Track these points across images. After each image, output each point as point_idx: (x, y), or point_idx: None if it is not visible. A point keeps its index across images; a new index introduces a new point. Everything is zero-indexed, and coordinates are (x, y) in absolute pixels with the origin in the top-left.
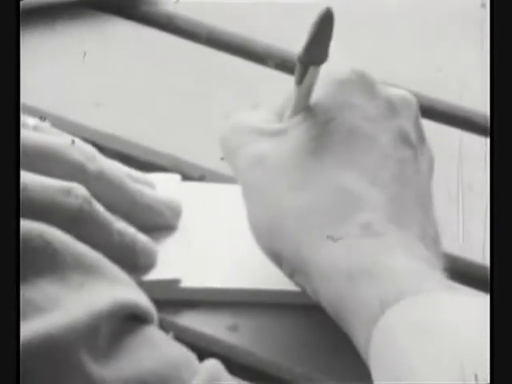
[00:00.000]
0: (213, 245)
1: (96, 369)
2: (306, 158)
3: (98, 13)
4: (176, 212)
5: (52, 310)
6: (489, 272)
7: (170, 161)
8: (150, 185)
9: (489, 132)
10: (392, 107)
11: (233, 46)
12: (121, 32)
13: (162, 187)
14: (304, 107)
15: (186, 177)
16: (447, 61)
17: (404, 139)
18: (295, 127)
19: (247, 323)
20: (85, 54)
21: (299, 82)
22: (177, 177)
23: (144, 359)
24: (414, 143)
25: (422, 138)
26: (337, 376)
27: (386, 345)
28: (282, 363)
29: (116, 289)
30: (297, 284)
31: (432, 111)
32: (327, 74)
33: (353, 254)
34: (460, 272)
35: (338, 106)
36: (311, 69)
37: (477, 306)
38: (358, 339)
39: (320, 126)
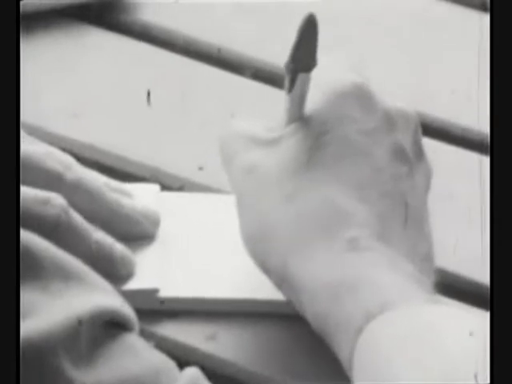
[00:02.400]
0: (191, 254)
1: (76, 374)
2: (297, 169)
3: (75, 22)
4: (154, 222)
5: (32, 315)
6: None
7: (148, 171)
8: (128, 195)
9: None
10: (390, 121)
11: (209, 55)
12: (98, 41)
13: (140, 197)
14: (297, 116)
15: (164, 187)
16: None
17: (399, 154)
18: (288, 137)
19: (226, 333)
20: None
21: (289, 90)
22: (155, 187)
23: (124, 365)
24: (410, 159)
25: (419, 153)
26: None
27: (370, 355)
28: (260, 372)
29: (96, 295)
30: (284, 295)
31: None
32: (325, 84)
33: (338, 269)
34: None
35: (334, 118)
36: (300, 76)
37: (461, 316)
38: (341, 351)
39: (313, 137)
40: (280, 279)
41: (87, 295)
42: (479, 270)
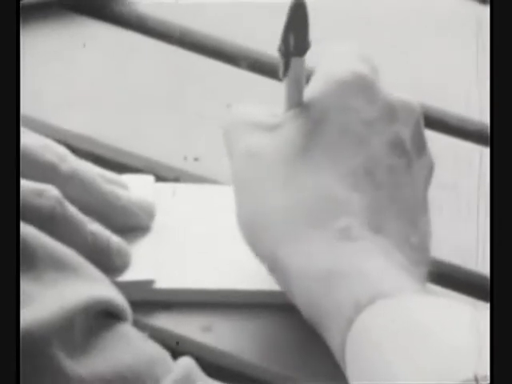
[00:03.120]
0: (187, 245)
1: (71, 364)
2: (294, 155)
3: (71, 13)
4: (150, 213)
5: (26, 305)
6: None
7: (143, 162)
8: (124, 186)
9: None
10: (391, 112)
11: (205, 46)
12: (94, 33)
13: (136, 188)
14: (297, 101)
15: (160, 178)
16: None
17: (398, 146)
18: (288, 123)
19: (222, 324)
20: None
21: (284, 74)
22: (150, 178)
23: (119, 355)
24: (409, 151)
25: (420, 146)
26: (311, 376)
27: (362, 345)
28: (256, 363)
29: (90, 286)
30: (276, 282)
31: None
32: (327, 72)
33: (328, 257)
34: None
35: (334, 106)
36: (294, 60)
37: (451, 307)
38: (333, 341)
39: (312, 124)
40: (271, 266)
41: (81, 285)
42: (476, 260)
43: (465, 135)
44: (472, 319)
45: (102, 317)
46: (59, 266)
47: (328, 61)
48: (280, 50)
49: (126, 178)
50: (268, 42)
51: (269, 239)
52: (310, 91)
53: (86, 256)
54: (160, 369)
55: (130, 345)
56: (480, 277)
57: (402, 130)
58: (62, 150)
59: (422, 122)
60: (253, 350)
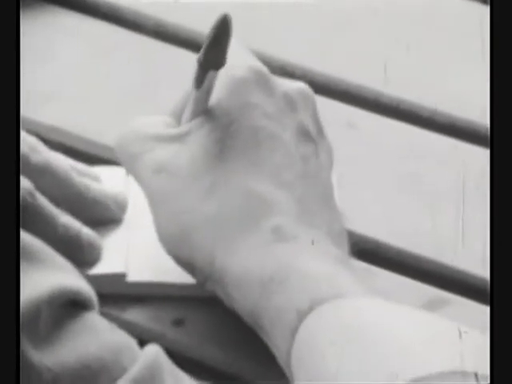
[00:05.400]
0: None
1: (37, 354)
2: (209, 163)
3: (41, 3)
4: (122, 205)
5: None
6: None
7: (115, 154)
8: (95, 178)
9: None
10: (290, 102)
11: (179, 37)
12: (68, 24)
13: (108, 180)
14: (202, 110)
15: None
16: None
17: (305, 134)
18: (195, 131)
19: (193, 317)
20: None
21: (198, 85)
22: (122, 170)
23: (85, 345)
24: (314, 137)
25: (320, 130)
26: (282, 371)
27: (308, 353)
28: (227, 357)
29: (56, 275)
30: (210, 290)
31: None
32: (224, 72)
33: (264, 261)
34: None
35: (238, 106)
36: (210, 73)
37: (397, 308)
38: (278, 349)
39: (221, 128)
40: (205, 276)
41: (48, 275)
42: (453, 254)
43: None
44: (412, 318)
45: (69, 306)
46: (26, 256)
47: None
48: (199, 61)
49: (98, 169)
50: (242, 33)
51: (202, 250)
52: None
53: (57, 248)
54: (127, 357)
55: (96, 334)
56: (457, 271)
57: (304, 117)
58: (33, 141)
59: (316, 107)
60: (224, 343)
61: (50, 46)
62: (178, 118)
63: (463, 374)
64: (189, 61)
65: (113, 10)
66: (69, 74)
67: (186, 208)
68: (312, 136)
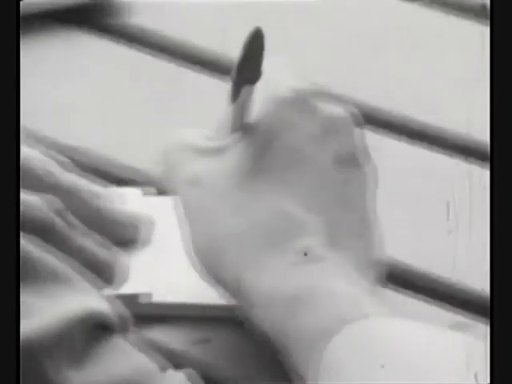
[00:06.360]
0: (183, 259)
1: (70, 375)
2: (243, 179)
3: (60, 24)
4: (149, 226)
5: (24, 317)
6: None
7: (145, 176)
8: (121, 200)
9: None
10: (331, 126)
11: (197, 59)
12: (77, 42)
13: (133, 201)
14: (240, 126)
15: (160, 192)
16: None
17: (342, 160)
18: (233, 147)
19: (216, 337)
20: None
21: (233, 100)
22: (137, 191)
23: (116, 366)
24: (354, 163)
25: (361, 155)
26: None
27: (335, 374)
28: (250, 377)
29: (85, 298)
30: (239, 307)
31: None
32: (267, 91)
33: (291, 280)
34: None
35: (278, 126)
36: (245, 88)
37: (422, 329)
38: (303, 368)
39: (259, 147)
40: (234, 292)
41: (78, 298)
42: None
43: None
44: (442, 339)
45: (98, 328)
46: (56, 278)
47: (267, 78)
48: (233, 77)
49: (116, 190)
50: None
51: (230, 266)
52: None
53: (86, 268)
54: (156, 380)
55: (126, 356)
56: (447, 282)
57: (345, 142)
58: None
59: (358, 132)
60: (246, 364)
61: (69, 68)
62: (220, 131)
63: None
64: (208, 82)
65: (122, 28)
66: (84, 92)
67: (215, 222)
68: (351, 161)
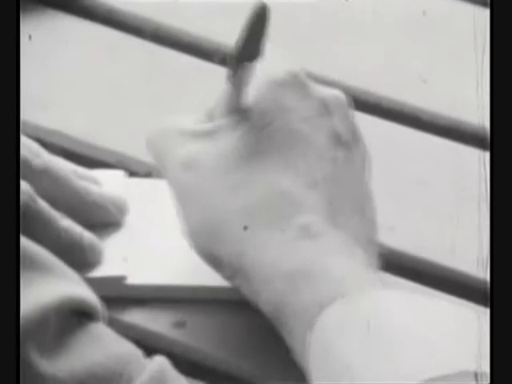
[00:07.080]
0: (158, 241)
1: (44, 363)
2: (240, 160)
3: (42, 8)
4: (122, 209)
5: None
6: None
7: (115, 157)
8: (96, 182)
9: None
10: (325, 107)
11: (178, 41)
12: (64, 26)
13: (108, 184)
14: (236, 106)
15: (132, 173)
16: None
17: (338, 139)
18: (227, 129)
19: (194, 320)
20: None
21: (231, 78)
22: (121, 173)
23: (92, 354)
24: (348, 142)
25: (355, 136)
26: (282, 372)
27: (324, 346)
28: (228, 359)
29: (64, 285)
30: (236, 286)
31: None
32: (262, 74)
33: (291, 256)
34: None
35: (274, 108)
36: (244, 65)
37: (416, 302)
38: (296, 342)
39: (256, 128)
40: (232, 270)
41: (55, 284)
42: (452, 257)
43: (462, 138)
44: (435, 310)
45: (75, 316)
46: (32, 265)
47: (262, 64)
48: (232, 54)
49: (98, 173)
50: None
51: (230, 245)
52: (248, 95)
53: (58, 252)
54: (133, 368)
55: (103, 344)
56: (453, 272)
57: (338, 122)
58: (34, 146)
59: (352, 113)
60: (225, 345)
61: (50, 51)
62: (209, 115)
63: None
64: (185, 63)
65: (112, 13)
66: (68, 78)
67: (213, 203)
68: (345, 141)
